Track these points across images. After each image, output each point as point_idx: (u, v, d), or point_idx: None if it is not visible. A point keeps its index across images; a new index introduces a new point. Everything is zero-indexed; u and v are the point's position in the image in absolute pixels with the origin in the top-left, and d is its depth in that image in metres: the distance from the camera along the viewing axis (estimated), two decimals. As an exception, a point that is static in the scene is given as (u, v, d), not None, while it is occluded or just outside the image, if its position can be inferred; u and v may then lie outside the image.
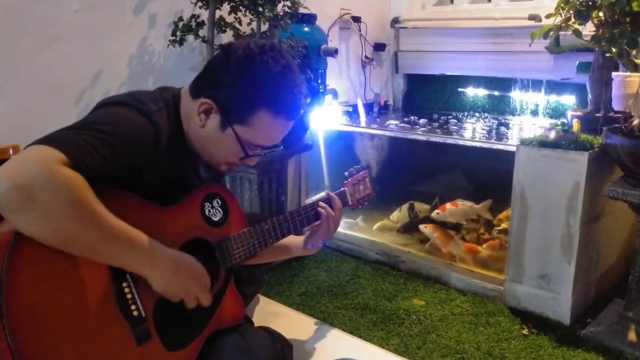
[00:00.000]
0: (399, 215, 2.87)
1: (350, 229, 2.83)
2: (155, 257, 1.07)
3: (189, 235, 1.22)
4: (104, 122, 1.07)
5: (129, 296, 1.09)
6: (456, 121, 3.04)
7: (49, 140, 0.98)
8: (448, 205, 2.71)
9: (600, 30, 1.92)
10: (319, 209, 1.45)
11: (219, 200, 1.30)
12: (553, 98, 3.02)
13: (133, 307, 1.09)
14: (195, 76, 1.24)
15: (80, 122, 1.08)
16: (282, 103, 1.17)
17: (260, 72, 1.15)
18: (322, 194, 1.53)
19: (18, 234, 0.95)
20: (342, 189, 1.56)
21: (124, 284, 1.09)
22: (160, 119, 1.15)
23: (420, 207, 2.87)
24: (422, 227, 2.61)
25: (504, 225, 2.57)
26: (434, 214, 2.70)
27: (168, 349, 1.16)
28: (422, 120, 2.98)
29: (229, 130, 1.18)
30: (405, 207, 2.87)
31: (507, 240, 2.48)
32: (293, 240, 1.53)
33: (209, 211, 1.27)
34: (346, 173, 1.58)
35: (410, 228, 2.80)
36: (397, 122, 2.97)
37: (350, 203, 1.56)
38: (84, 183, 0.97)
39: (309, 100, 2.33)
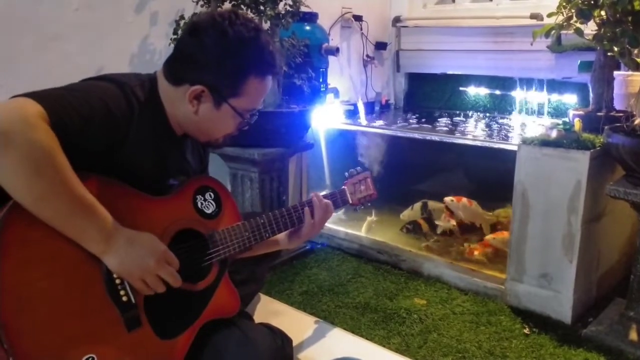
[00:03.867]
0: (410, 213, 2.84)
1: (337, 224, 2.81)
2: (110, 235, 1.06)
3: (180, 225, 1.23)
4: (82, 87, 1.12)
5: (117, 281, 1.09)
6: (459, 119, 3.04)
7: (32, 94, 1.00)
8: (464, 199, 2.70)
9: (602, 29, 1.92)
10: (306, 208, 1.44)
11: (211, 194, 1.30)
12: (555, 97, 3.02)
13: (122, 292, 1.10)
14: (167, 61, 1.25)
15: (61, 86, 1.11)
16: (266, 63, 1.23)
17: (238, 43, 1.18)
18: (325, 193, 1.53)
19: (6, 216, 0.95)
20: (342, 187, 1.57)
21: None
22: (134, 92, 1.18)
23: (435, 205, 2.82)
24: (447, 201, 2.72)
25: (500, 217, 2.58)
26: (447, 199, 2.70)
27: (159, 337, 1.17)
28: (439, 122, 2.97)
29: (224, 106, 1.22)
30: (417, 205, 2.84)
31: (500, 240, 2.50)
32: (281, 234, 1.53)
33: (202, 203, 1.28)
34: (346, 173, 1.59)
35: (415, 228, 2.78)
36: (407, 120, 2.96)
37: (350, 202, 1.57)
38: (60, 147, 0.98)
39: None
